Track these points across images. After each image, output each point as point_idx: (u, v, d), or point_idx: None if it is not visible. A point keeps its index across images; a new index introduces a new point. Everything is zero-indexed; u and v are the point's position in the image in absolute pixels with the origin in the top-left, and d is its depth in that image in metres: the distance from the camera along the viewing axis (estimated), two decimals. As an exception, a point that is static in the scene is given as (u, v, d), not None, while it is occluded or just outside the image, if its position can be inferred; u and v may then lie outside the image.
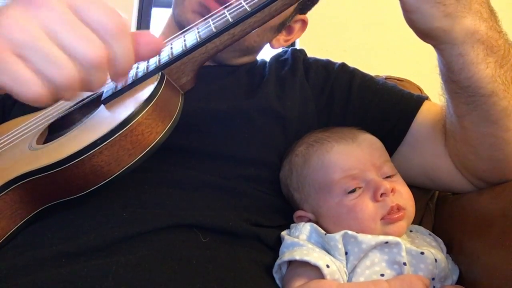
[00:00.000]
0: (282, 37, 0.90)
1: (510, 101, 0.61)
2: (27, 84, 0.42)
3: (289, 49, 0.93)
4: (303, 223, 0.67)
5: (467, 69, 0.58)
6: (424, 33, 0.58)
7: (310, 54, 0.92)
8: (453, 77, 0.61)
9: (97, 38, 0.43)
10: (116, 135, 0.49)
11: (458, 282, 0.65)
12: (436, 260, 0.61)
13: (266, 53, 0.95)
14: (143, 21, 2.24)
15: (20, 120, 0.73)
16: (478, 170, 0.70)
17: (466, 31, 0.56)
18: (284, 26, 0.87)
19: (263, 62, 0.90)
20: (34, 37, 0.42)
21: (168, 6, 0.87)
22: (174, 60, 0.60)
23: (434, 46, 0.60)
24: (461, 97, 0.62)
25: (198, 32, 0.61)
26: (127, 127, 0.50)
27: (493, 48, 0.58)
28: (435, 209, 0.84)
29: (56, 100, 0.45)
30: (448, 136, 0.72)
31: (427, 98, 0.82)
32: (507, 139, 0.63)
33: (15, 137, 0.66)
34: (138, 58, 0.48)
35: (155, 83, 0.54)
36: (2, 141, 0.67)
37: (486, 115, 0.62)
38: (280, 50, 0.96)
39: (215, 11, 0.65)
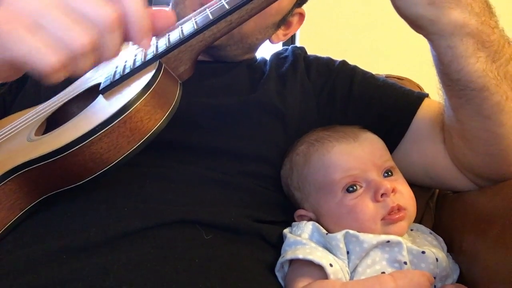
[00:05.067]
0: (280, 31, 0.90)
1: (503, 96, 0.60)
2: (42, 54, 0.43)
3: (290, 46, 0.93)
4: (305, 221, 0.67)
5: (456, 62, 0.58)
6: (411, 21, 0.58)
7: (310, 53, 0.92)
8: (444, 69, 0.61)
9: None
10: (115, 121, 0.49)
11: (459, 281, 0.65)
12: (437, 260, 0.61)
13: (265, 50, 0.95)
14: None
15: (19, 114, 0.73)
16: (474, 166, 0.70)
17: (454, 24, 0.56)
18: (285, 22, 0.87)
19: (263, 60, 0.90)
20: (42, 7, 0.43)
21: (168, 4, 0.87)
22: (172, 48, 0.59)
23: (425, 36, 0.60)
24: (452, 90, 0.63)
25: (195, 20, 0.61)
26: (126, 113, 0.49)
27: (485, 43, 0.58)
28: (436, 208, 0.84)
29: (71, 71, 0.46)
30: (445, 131, 0.72)
31: (427, 95, 0.82)
32: (501, 134, 0.63)
33: (13, 129, 0.65)
34: (155, 32, 0.50)
35: (153, 71, 0.54)
36: (0, 134, 0.66)
37: (478, 109, 0.62)
38: (278, 45, 0.95)
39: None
